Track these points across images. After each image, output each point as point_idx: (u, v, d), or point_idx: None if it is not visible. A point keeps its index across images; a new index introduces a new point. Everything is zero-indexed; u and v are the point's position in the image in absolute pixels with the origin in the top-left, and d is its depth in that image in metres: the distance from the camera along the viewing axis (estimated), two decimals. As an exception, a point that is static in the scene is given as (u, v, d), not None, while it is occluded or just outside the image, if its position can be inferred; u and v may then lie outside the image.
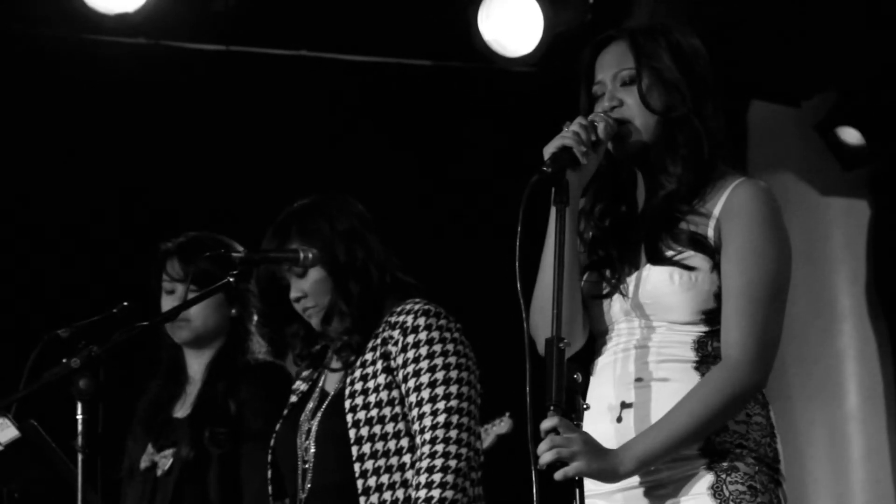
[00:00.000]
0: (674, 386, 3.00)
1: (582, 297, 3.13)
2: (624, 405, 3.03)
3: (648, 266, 3.05)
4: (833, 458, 6.47)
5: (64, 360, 3.59)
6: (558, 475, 2.90)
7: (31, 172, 5.89)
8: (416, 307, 3.78)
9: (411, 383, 3.71)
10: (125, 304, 4.03)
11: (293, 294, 3.87)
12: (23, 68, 5.79)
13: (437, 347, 3.73)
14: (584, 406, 2.93)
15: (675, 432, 2.94)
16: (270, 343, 4.45)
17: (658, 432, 2.95)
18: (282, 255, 3.87)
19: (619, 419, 3.03)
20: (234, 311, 4.43)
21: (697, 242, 3.03)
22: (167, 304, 4.42)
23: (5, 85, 5.80)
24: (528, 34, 6.00)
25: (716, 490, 2.97)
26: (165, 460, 4.35)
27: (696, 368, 3.02)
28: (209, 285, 3.97)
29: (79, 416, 3.58)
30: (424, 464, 3.63)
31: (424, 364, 3.71)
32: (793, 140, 6.56)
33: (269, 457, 3.91)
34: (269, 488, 3.91)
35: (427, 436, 3.66)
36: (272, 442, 3.91)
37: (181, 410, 4.44)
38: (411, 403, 3.71)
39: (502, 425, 5.84)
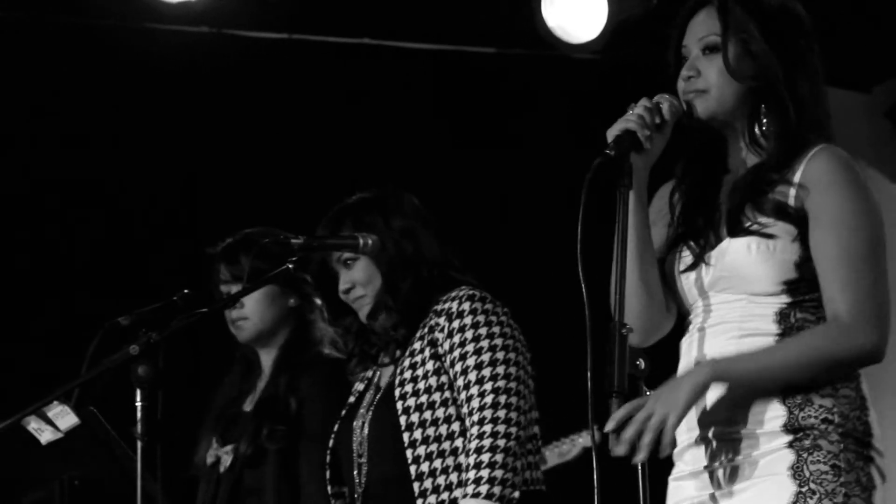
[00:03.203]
0: None
1: (666, 274, 3.07)
2: None
3: (728, 239, 2.99)
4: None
5: (124, 348, 3.60)
6: (664, 447, 2.86)
7: (93, 162, 5.90)
8: (462, 293, 3.79)
9: (458, 367, 3.72)
10: (186, 291, 4.02)
11: (342, 286, 3.90)
12: (85, 58, 5.81)
13: (483, 330, 3.73)
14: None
15: (764, 365, 2.87)
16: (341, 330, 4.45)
17: (748, 361, 2.88)
18: (340, 242, 3.88)
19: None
20: (292, 301, 4.42)
21: (782, 211, 2.96)
22: (228, 314, 4.43)
23: (68, 75, 5.82)
24: (592, 20, 5.96)
25: (796, 470, 2.87)
26: (227, 456, 4.34)
27: (779, 342, 2.94)
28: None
29: (138, 403, 3.58)
30: (473, 445, 3.64)
31: (470, 347, 3.72)
32: (863, 126, 6.46)
33: (329, 456, 3.91)
34: (329, 487, 3.91)
35: (475, 417, 3.66)
36: (331, 442, 3.92)
37: (249, 405, 4.44)
38: (459, 387, 3.71)
39: (588, 438, 5.76)
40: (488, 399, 3.66)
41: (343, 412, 3.94)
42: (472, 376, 3.70)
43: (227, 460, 4.35)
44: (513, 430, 3.64)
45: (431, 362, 3.75)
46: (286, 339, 4.43)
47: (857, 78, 6.38)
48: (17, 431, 3.77)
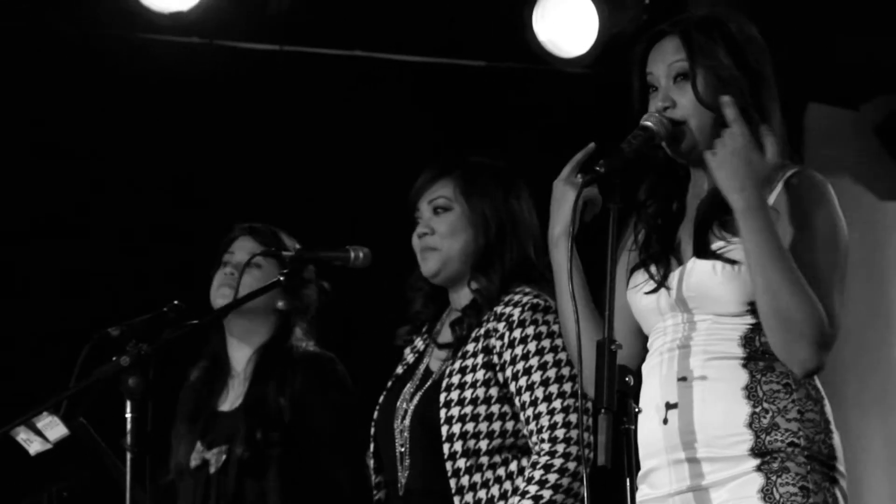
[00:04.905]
0: (718, 385, 2.96)
1: (628, 299, 3.10)
2: (669, 406, 2.99)
3: (694, 259, 3.02)
4: (890, 467, 6.39)
5: (114, 359, 3.61)
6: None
7: (84, 171, 5.90)
8: (525, 300, 3.72)
9: (522, 382, 3.66)
10: (176, 302, 4.03)
11: (420, 229, 3.83)
12: (77, 66, 5.81)
13: (546, 343, 3.67)
14: (636, 410, 2.90)
15: (772, 249, 2.87)
16: (315, 337, 4.44)
17: (777, 246, 2.88)
18: (333, 255, 3.89)
19: (666, 420, 2.99)
20: (280, 304, 4.40)
21: None
22: (219, 277, 4.41)
23: (60, 84, 5.82)
24: (583, 35, 5.97)
25: (766, 493, 2.90)
26: (217, 457, 4.31)
27: (745, 366, 2.97)
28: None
29: (128, 415, 3.59)
30: (543, 460, 3.60)
31: (535, 361, 3.66)
32: (850, 143, 6.48)
33: (372, 429, 3.86)
34: (371, 461, 3.87)
35: (546, 435, 3.62)
36: (375, 414, 3.87)
37: (226, 404, 4.41)
38: (525, 403, 3.66)
39: None
40: (558, 418, 3.62)
41: (389, 383, 3.89)
42: (539, 393, 3.64)
43: (218, 461, 4.31)
44: (572, 449, 3.61)
45: (482, 371, 3.69)
46: (265, 341, 4.42)
47: (845, 95, 6.40)
48: (5, 442, 3.77)
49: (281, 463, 4.24)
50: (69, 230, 5.91)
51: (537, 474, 3.59)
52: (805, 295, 2.88)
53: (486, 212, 3.80)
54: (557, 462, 3.59)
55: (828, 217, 2.98)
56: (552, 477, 3.58)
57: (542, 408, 3.63)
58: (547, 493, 3.57)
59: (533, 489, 3.58)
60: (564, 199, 3.11)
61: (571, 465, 3.59)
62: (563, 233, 3.11)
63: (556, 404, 3.63)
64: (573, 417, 3.62)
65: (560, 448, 3.61)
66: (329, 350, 4.47)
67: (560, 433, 3.61)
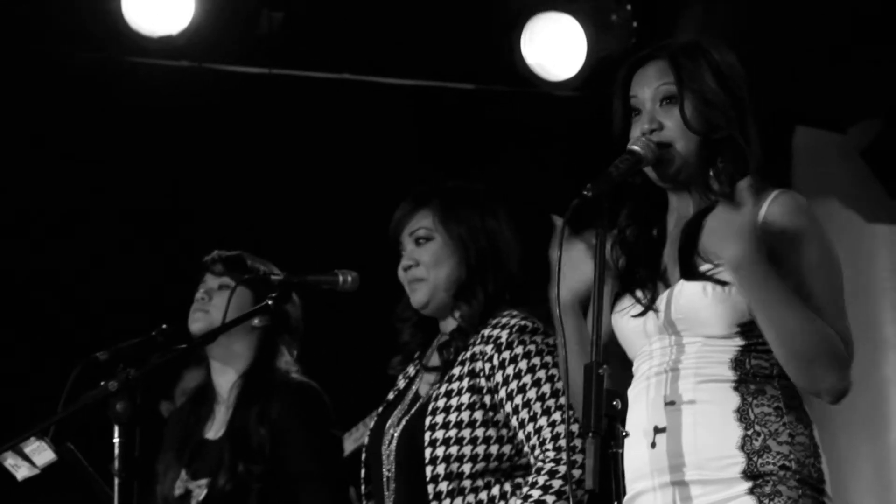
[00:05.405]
0: (710, 408, 2.96)
1: (613, 327, 3.11)
2: (657, 430, 2.99)
3: (682, 282, 3.02)
4: (878, 489, 6.40)
5: (101, 383, 3.60)
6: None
7: (73, 193, 5.91)
8: (513, 322, 3.73)
9: (518, 400, 3.67)
10: (164, 326, 4.02)
11: (405, 262, 3.84)
12: (66, 90, 5.82)
13: (537, 360, 3.68)
14: (624, 433, 2.90)
15: (787, 300, 2.87)
16: (300, 360, 4.44)
17: (780, 288, 2.87)
18: (321, 279, 3.89)
19: (654, 444, 2.99)
20: (256, 321, 4.37)
21: None
22: (193, 305, 4.40)
23: (50, 107, 5.83)
24: (571, 58, 5.99)
25: None
26: (200, 490, 4.30)
27: (736, 389, 2.97)
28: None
29: (115, 440, 3.58)
30: (548, 466, 3.61)
31: (528, 379, 3.67)
32: (838, 166, 6.50)
33: (364, 454, 3.88)
34: (363, 487, 3.88)
35: (550, 445, 3.63)
36: (365, 439, 3.89)
37: (211, 431, 4.40)
38: (523, 420, 3.66)
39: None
40: (559, 429, 3.63)
41: (381, 409, 3.90)
42: (537, 408, 3.65)
43: (200, 493, 4.31)
44: (577, 458, 3.58)
45: (468, 395, 3.70)
46: (248, 364, 4.40)
47: (832, 118, 6.42)
48: (-7, 467, 3.76)
49: (261, 495, 4.23)
50: (57, 253, 5.91)
51: (541, 479, 3.61)
52: (819, 330, 2.90)
53: (463, 237, 3.81)
54: (562, 469, 3.61)
55: (821, 240, 2.99)
56: (556, 483, 3.60)
57: (543, 421, 3.65)
58: (550, 499, 3.59)
59: (536, 493, 3.60)
60: (578, 266, 3.08)
61: (576, 473, 3.58)
62: (573, 303, 3.09)
63: (556, 417, 3.65)
64: (574, 428, 3.63)
65: (564, 456, 3.61)
66: (317, 374, 4.47)
67: (564, 443, 3.62)
